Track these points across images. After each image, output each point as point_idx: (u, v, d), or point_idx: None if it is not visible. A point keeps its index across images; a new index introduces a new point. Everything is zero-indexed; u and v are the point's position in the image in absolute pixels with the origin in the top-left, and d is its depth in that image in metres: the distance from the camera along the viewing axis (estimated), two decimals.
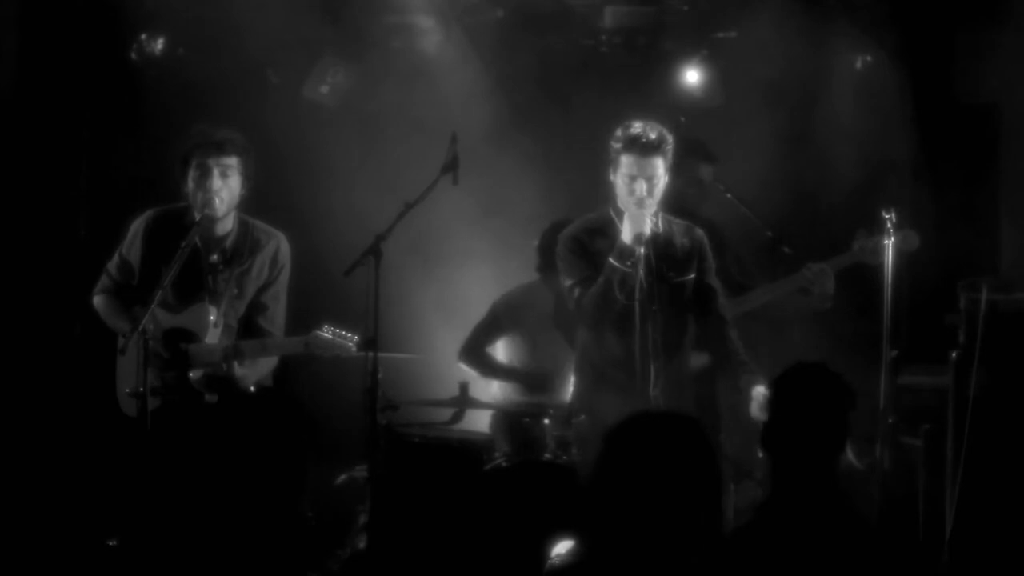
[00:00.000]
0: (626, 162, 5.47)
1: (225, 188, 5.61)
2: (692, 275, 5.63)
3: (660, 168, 5.47)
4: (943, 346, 5.84)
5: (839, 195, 7.26)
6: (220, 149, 5.59)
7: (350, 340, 5.62)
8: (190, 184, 5.61)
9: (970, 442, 5.51)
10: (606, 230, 5.59)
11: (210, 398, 5.63)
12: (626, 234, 5.45)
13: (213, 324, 5.61)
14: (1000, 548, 5.54)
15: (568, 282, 5.61)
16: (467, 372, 6.77)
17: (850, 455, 5.70)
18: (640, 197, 5.45)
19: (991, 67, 7.02)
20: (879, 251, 5.79)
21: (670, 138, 5.51)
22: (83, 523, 6.47)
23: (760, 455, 5.99)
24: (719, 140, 6.88)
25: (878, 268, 5.74)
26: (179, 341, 5.57)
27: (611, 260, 5.44)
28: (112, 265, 5.77)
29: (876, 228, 5.90)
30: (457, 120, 6.29)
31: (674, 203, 6.03)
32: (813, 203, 7.23)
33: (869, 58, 7.41)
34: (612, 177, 5.54)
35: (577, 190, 7.10)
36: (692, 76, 7.57)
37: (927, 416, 5.91)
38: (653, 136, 5.45)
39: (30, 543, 6.46)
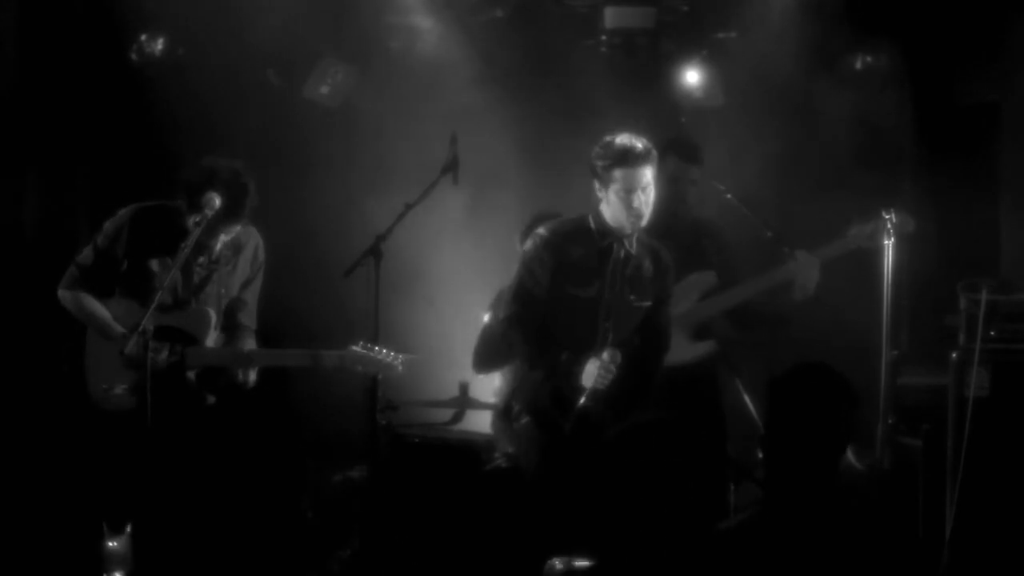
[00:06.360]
0: (620, 176, 5.37)
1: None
2: (650, 302, 5.56)
3: (651, 176, 5.40)
4: (943, 346, 5.83)
5: (838, 195, 7.25)
6: (239, 219, 5.53)
7: (394, 359, 5.57)
8: (202, 221, 5.40)
9: (970, 442, 5.50)
10: (582, 239, 5.50)
11: (210, 399, 5.64)
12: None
13: (213, 327, 5.62)
14: (1000, 548, 5.53)
15: (510, 307, 5.47)
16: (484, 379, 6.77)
17: (850, 455, 5.68)
18: (639, 209, 5.36)
19: (991, 67, 7.02)
20: (876, 235, 5.76)
21: (652, 146, 5.44)
22: (75, 524, 6.45)
23: (760, 455, 6.00)
24: (719, 140, 6.88)
25: (876, 253, 5.71)
26: (178, 342, 5.56)
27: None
28: (84, 259, 5.62)
29: (871, 213, 5.87)
30: (457, 120, 6.29)
31: (669, 204, 5.99)
32: (812, 203, 7.22)
33: (869, 58, 7.40)
34: (602, 194, 5.44)
35: (578, 191, 7.08)
36: (692, 76, 7.57)
37: (927, 416, 5.90)
38: (641, 147, 5.38)
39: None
